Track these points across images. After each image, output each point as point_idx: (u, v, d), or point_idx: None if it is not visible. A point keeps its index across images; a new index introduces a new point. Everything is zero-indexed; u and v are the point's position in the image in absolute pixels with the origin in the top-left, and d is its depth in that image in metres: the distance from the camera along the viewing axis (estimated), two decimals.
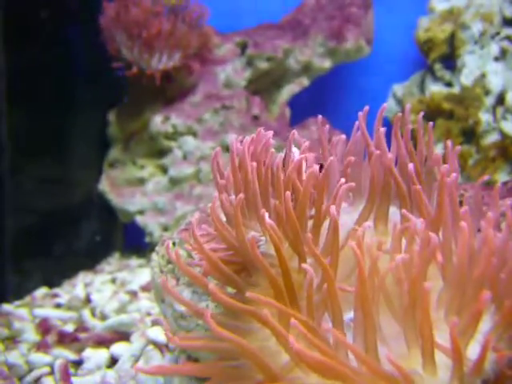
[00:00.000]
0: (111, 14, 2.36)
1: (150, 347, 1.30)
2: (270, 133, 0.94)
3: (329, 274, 0.68)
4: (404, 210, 0.78)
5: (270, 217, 0.75)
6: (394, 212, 0.93)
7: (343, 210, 0.94)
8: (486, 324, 0.64)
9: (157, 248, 1.17)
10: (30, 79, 2.06)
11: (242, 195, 0.71)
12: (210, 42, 2.51)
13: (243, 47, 2.49)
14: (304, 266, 0.72)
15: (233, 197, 0.80)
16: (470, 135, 2.42)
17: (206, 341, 0.72)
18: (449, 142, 0.98)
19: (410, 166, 0.87)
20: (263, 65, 2.43)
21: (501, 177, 2.25)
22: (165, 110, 2.49)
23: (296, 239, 0.74)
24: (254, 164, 0.78)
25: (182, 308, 0.94)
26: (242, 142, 0.83)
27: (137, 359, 1.28)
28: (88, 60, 2.49)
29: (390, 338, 0.71)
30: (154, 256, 1.17)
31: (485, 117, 2.36)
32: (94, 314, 1.72)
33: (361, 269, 0.64)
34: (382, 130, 0.93)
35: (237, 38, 2.51)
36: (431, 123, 1.00)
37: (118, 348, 1.34)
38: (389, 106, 2.74)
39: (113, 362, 1.32)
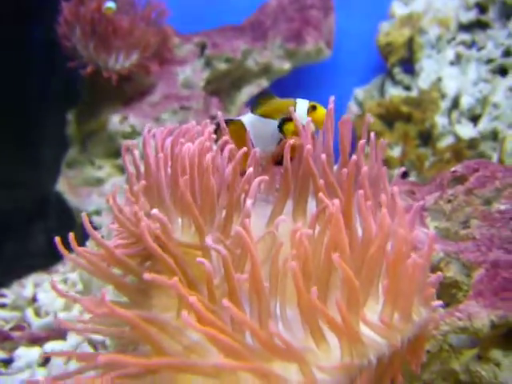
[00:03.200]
0: (68, 12, 2.33)
1: (85, 344, 1.28)
2: (194, 125, 0.93)
3: (228, 264, 0.67)
4: (320, 194, 0.78)
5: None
6: (314, 206, 0.93)
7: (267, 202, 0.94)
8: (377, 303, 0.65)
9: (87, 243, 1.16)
10: None
11: (142, 182, 0.70)
12: (169, 42, 2.50)
13: (202, 48, 2.49)
14: (199, 259, 0.71)
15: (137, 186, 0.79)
16: (427, 138, 2.44)
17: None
18: (372, 135, 0.99)
19: (323, 156, 0.86)
20: (222, 66, 2.43)
21: None
22: (123, 109, 2.47)
23: (198, 229, 0.73)
24: (161, 155, 0.77)
25: None
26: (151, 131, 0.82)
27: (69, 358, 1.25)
28: (47, 58, 2.46)
29: (294, 321, 0.71)
30: None
31: (440, 120, 2.38)
32: (38, 314, 1.69)
33: (251, 251, 0.64)
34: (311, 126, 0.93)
35: (196, 38, 2.50)
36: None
37: (52, 346, 1.31)
38: (350, 109, 2.76)
39: (46, 360, 1.29)
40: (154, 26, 2.42)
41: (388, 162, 2.55)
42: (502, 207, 1.02)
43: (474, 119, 2.31)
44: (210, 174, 0.74)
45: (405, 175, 2.32)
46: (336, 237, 0.67)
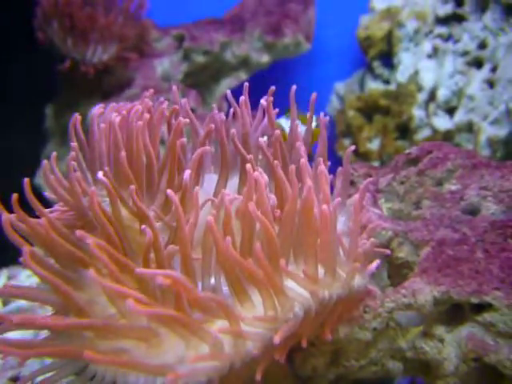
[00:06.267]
0: (46, 3, 2.32)
1: (45, 332, 1.27)
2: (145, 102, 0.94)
3: (156, 235, 0.68)
4: (248, 165, 0.78)
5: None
6: None
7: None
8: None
9: None
10: None
11: (73, 153, 0.71)
12: (148, 35, 2.50)
13: (181, 41, 2.49)
14: (143, 227, 0.71)
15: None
16: (405, 131, 2.45)
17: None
18: (322, 115, 0.99)
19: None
20: (200, 58, 2.43)
21: None
22: (102, 103, 2.46)
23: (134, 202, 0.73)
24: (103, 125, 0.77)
25: None
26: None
27: None
28: (23, 51, 2.45)
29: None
30: None
31: (418, 113, 2.39)
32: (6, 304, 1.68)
33: (178, 215, 0.64)
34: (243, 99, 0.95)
35: (175, 31, 2.50)
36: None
37: (12, 334, 1.30)
38: (331, 103, 2.76)
39: None
40: (133, 19, 2.42)
41: (367, 155, 2.55)
42: (453, 188, 1.03)
43: (450, 111, 2.32)
44: (146, 144, 0.74)
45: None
46: (258, 198, 0.68)
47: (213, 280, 0.75)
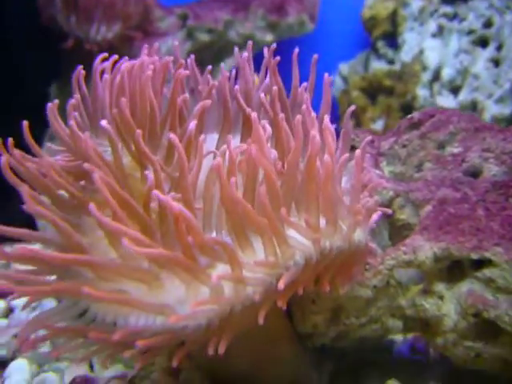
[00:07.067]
0: None
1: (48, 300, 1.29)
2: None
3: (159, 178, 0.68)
4: (253, 114, 0.78)
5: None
6: None
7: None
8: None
9: None
10: None
11: (73, 100, 0.71)
12: (151, 14, 2.49)
13: (184, 19, 2.48)
14: (146, 172, 0.72)
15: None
16: (409, 110, 2.44)
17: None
18: (326, 75, 0.99)
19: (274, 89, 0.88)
20: (204, 37, 2.42)
21: None
22: None
23: (136, 147, 0.73)
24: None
25: None
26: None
27: (34, 308, 1.26)
28: (26, 30, 2.45)
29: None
30: None
31: (422, 92, 2.38)
32: None
33: (182, 161, 0.65)
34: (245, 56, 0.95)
35: (179, 10, 2.50)
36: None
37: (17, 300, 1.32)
38: (335, 84, 2.75)
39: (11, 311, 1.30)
40: None
41: None
42: (455, 150, 1.03)
43: (455, 91, 2.31)
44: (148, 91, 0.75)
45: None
46: (261, 149, 0.68)
47: (214, 233, 0.76)
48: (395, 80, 2.50)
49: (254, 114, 0.73)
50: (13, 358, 1.04)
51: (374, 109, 2.56)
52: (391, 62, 2.57)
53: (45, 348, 1.08)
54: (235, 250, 0.63)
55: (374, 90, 2.58)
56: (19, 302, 1.32)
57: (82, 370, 0.97)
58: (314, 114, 0.82)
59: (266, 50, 0.98)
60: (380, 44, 2.59)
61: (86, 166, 0.63)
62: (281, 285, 0.64)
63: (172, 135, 0.68)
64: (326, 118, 0.79)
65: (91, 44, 2.32)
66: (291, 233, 0.68)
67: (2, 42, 2.31)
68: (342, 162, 0.79)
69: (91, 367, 1.00)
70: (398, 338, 1.17)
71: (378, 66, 2.59)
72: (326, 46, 2.77)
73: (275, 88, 0.87)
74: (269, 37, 2.48)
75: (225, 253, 0.63)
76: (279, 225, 0.65)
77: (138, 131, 0.70)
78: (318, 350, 0.99)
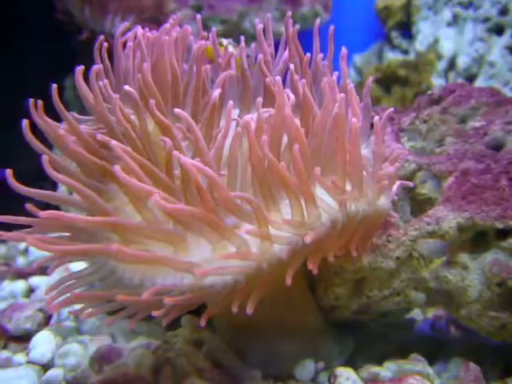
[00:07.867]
0: None
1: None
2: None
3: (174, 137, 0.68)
4: (277, 78, 0.78)
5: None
6: None
7: None
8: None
9: None
10: None
11: (96, 66, 0.72)
12: (165, 6, 2.50)
13: (198, 10, 2.48)
14: (161, 137, 0.73)
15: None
16: None
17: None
18: (343, 48, 1.00)
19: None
20: (218, 27, 2.42)
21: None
22: None
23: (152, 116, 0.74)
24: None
25: None
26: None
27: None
28: (42, 22, 2.47)
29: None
30: None
31: (437, 81, 2.36)
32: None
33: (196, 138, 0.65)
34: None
35: (193, 1, 2.50)
36: None
37: (37, 280, 1.33)
38: (349, 76, 2.75)
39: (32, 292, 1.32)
40: None
41: None
42: (477, 124, 1.02)
43: (471, 79, 2.29)
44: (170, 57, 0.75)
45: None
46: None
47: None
48: (410, 70, 2.48)
49: (278, 78, 0.73)
50: (37, 331, 1.05)
51: (389, 99, 2.55)
52: (405, 52, 2.56)
53: (68, 322, 1.09)
54: (262, 207, 0.63)
55: (388, 81, 2.57)
56: (40, 282, 1.33)
57: (105, 342, 0.97)
58: (336, 82, 0.82)
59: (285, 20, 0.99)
60: (394, 34, 2.58)
61: (100, 137, 0.63)
62: (307, 238, 0.63)
63: (180, 112, 0.69)
64: (350, 84, 0.79)
65: (106, 37, 2.34)
66: (318, 193, 0.68)
67: (18, 34, 2.33)
68: (364, 130, 0.79)
69: (114, 340, 1.01)
70: (419, 317, 1.17)
71: (392, 56, 2.58)
72: (339, 37, 2.76)
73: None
74: (283, 27, 2.47)
75: (251, 209, 0.62)
76: (310, 184, 0.65)
77: (152, 101, 0.71)
78: (340, 324, 0.99)
